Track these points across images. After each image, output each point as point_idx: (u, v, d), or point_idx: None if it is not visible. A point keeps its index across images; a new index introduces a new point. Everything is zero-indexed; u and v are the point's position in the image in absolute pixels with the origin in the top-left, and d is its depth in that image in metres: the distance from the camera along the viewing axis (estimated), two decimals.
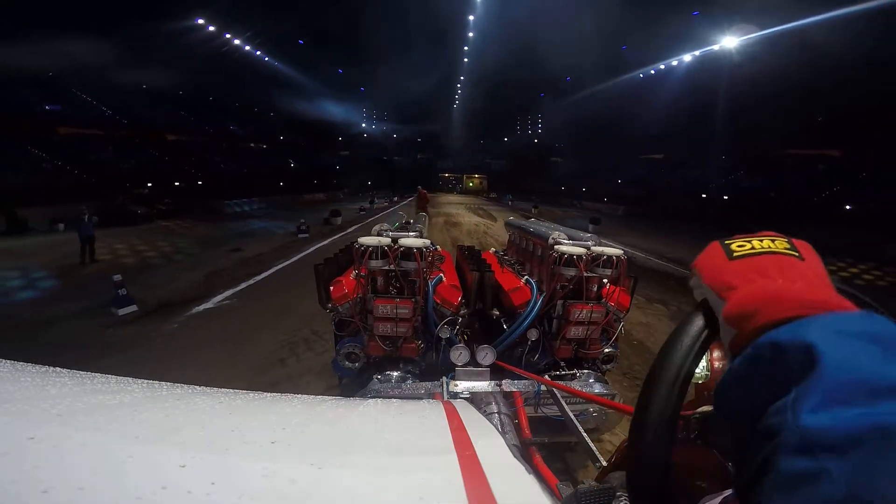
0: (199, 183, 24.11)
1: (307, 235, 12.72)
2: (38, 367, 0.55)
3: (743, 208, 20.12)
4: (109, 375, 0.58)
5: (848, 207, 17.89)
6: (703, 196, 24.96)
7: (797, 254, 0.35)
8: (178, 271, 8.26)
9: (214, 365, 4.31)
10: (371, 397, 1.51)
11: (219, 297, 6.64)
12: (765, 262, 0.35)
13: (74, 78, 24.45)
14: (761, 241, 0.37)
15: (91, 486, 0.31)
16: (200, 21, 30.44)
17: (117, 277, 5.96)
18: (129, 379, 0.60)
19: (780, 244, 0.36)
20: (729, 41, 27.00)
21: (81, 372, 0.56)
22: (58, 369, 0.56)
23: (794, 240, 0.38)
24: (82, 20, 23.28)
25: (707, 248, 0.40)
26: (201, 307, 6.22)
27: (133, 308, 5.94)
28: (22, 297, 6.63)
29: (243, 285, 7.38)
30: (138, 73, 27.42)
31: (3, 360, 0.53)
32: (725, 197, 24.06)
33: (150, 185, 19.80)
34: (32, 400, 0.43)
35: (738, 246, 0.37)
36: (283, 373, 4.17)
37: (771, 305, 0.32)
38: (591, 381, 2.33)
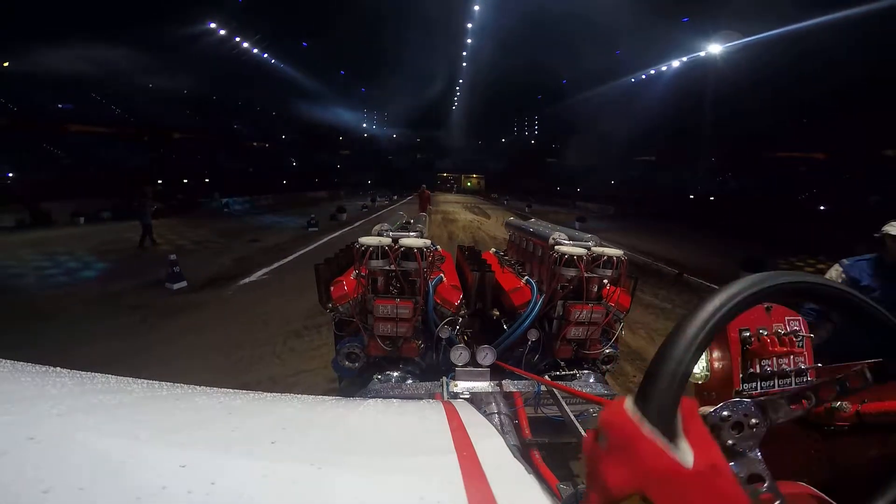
0: (206, 180, 24.50)
1: (317, 229, 13.57)
2: (38, 367, 0.55)
3: (726, 208, 20.84)
4: (109, 375, 0.58)
5: (822, 208, 18.35)
6: (691, 197, 25.46)
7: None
8: (208, 257, 9.10)
9: (272, 315, 5.49)
10: (371, 397, 1.51)
11: (258, 274, 7.78)
12: None
13: (85, 78, 24.79)
14: None
15: (91, 486, 0.31)
16: (203, 23, 30.53)
17: (173, 257, 6.80)
18: (129, 379, 0.60)
19: None
20: (716, 48, 27.83)
21: (81, 372, 0.56)
22: (58, 369, 0.56)
23: (640, 465, 0.30)
24: (90, 25, 23.61)
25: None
26: (246, 280, 7.34)
27: (184, 284, 6.74)
28: (82, 276, 7.53)
29: (275, 265, 8.49)
30: (144, 72, 27.57)
31: (3, 361, 0.53)
32: (711, 198, 24.64)
33: (159, 181, 20.06)
34: (32, 400, 0.43)
35: None
36: (324, 319, 4.97)
37: None
38: (591, 381, 2.33)
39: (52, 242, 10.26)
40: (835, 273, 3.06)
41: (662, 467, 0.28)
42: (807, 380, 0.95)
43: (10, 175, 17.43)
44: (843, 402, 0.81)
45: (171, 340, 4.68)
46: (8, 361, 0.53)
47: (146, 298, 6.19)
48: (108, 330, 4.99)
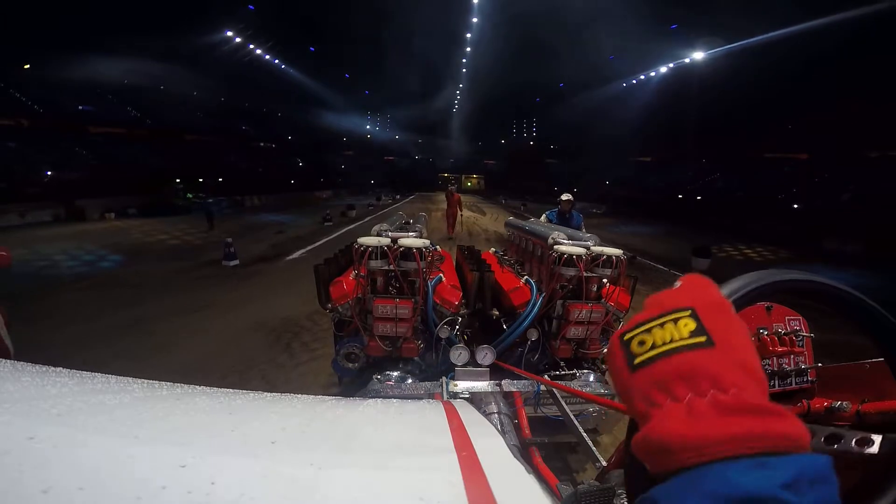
0: (220, 179, 25.11)
1: (332, 223, 15.25)
2: (38, 366, 0.55)
3: (711, 207, 21.95)
4: (109, 375, 0.58)
5: (795, 206, 19.12)
6: (680, 196, 26.16)
7: (704, 339, 0.30)
8: (245, 244, 10.01)
9: None
10: (371, 397, 1.51)
11: (297, 253, 9.29)
12: (669, 372, 0.30)
13: (104, 82, 25.65)
14: (663, 326, 0.31)
15: (91, 486, 0.31)
16: (216, 30, 31.14)
17: (229, 240, 7.92)
18: (129, 379, 0.60)
19: (684, 327, 0.31)
20: (703, 55, 29.03)
21: (82, 372, 0.56)
22: (58, 369, 0.55)
23: (698, 295, 0.33)
24: (111, 33, 24.50)
25: (610, 345, 0.35)
26: (290, 257, 8.81)
27: (237, 262, 7.83)
28: (140, 260, 8.52)
29: (308, 248, 9.96)
30: (158, 77, 28.31)
31: (4, 361, 0.53)
32: (699, 197, 25.50)
33: (178, 180, 20.44)
34: (32, 400, 0.43)
35: (638, 345, 0.32)
36: None
37: (674, 453, 0.27)
38: (590, 380, 2.33)
39: (95, 235, 11.17)
40: (543, 217, 5.09)
41: (719, 301, 0.33)
42: (807, 379, 0.95)
43: (49, 173, 18.47)
44: (844, 402, 0.81)
45: (251, 293, 6.12)
46: (8, 361, 0.53)
47: (212, 272, 7.34)
48: (196, 288, 6.23)
